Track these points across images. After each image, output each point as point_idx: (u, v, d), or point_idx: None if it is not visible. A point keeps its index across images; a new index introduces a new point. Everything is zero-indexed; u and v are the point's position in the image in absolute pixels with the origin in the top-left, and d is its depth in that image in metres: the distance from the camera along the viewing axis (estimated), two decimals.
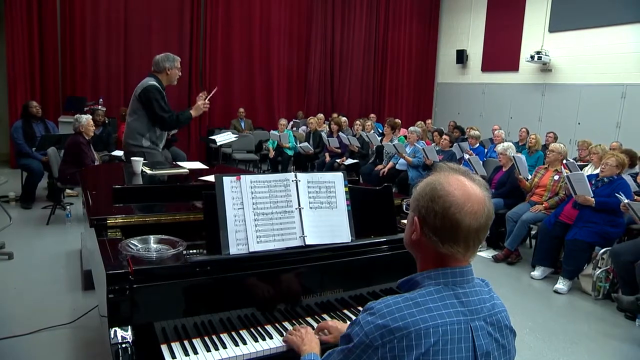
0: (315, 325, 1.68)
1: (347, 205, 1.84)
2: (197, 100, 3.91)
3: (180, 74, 3.99)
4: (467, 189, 1.07)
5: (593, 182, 4.39)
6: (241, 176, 1.70)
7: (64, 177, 5.27)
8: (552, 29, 9.64)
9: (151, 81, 3.81)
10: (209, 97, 3.92)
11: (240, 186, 1.69)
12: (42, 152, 5.81)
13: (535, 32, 9.97)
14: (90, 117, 5.66)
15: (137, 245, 1.70)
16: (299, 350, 1.48)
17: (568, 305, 4.03)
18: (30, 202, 5.82)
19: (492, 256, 4.98)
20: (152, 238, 1.77)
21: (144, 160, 3.71)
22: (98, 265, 1.72)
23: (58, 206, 5.46)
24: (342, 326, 1.59)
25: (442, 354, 1.00)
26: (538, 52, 9.57)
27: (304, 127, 9.61)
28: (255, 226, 1.68)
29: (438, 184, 1.08)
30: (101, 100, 8.10)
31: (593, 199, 4.16)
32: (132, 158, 3.24)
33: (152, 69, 3.92)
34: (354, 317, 1.80)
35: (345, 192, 1.86)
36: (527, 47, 10.04)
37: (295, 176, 1.80)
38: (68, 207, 5.48)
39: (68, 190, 5.93)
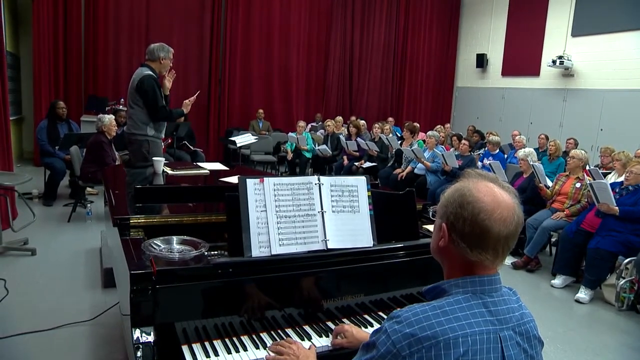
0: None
1: (370, 209, 1.83)
2: (185, 101, 4.26)
3: (171, 64, 4.16)
4: (496, 195, 1.05)
5: (617, 190, 4.30)
6: (264, 178, 1.70)
7: (85, 176, 5.35)
8: (574, 34, 9.48)
9: (146, 71, 3.94)
10: (192, 98, 4.29)
11: (263, 188, 1.69)
12: (65, 151, 5.91)
13: (558, 37, 9.81)
14: (113, 117, 5.75)
15: (160, 246, 1.71)
16: None
17: (590, 315, 3.95)
18: (52, 200, 5.94)
19: (511, 263, 4.91)
20: (174, 239, 1.78)
21: (148, 149, 3.86)
22: (121, 264, 1.73)
23: (79, 204, 5.54)
24: (357, 331, 1.58)
25: None
26: (560, 57, 9.41)
27: (322, 130, 9.60)
28: (278, 229, 1.68)
29: (467, 190, 1.06)
30: (122, 100, 8.22)
31: (617, 208, 4.07)
32: (154, 158, 3.27)
33: (146, 57, 4.07)
34: (374, 322, 1.79)
35: (368, 196, 1.85)
36: (549, 52, 9.87)
37: (318, 179, 1.79)
38: (89, 205, 5.56)
39: (88, 189, 6.01)
